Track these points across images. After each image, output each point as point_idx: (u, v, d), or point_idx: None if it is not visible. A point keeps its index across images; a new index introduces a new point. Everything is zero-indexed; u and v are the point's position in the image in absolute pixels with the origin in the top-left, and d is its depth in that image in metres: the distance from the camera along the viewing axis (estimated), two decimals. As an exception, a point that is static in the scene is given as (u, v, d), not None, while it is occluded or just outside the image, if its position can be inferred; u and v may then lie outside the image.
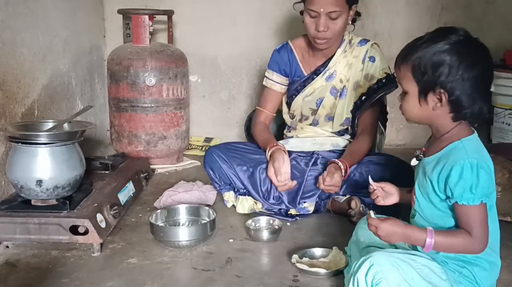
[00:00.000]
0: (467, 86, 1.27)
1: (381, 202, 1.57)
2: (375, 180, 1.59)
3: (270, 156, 2.14)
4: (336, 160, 2.08)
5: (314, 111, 2.32)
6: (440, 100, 1.30)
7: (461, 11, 3.34)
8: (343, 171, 2.04)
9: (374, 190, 1.57)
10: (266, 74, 2.38)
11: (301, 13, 2.21)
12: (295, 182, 2.10)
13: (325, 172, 2.03)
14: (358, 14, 2.23)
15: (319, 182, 2.03)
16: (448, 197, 1.30)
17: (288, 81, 2.36)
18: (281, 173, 2.05)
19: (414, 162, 1.45)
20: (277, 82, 2.35)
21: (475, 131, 1.36)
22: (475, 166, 1.25)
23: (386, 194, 1.57)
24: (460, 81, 1.27)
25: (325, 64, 2.27)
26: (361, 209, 2.06)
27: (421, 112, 1.35)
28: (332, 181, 2.00)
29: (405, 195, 1.57)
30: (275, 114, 2.43)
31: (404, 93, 1.37)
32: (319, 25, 2.07)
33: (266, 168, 2.15)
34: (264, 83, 2.40)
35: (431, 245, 1.29)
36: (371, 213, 1.39)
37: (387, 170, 2.09)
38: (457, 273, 1.36)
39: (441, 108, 1.31)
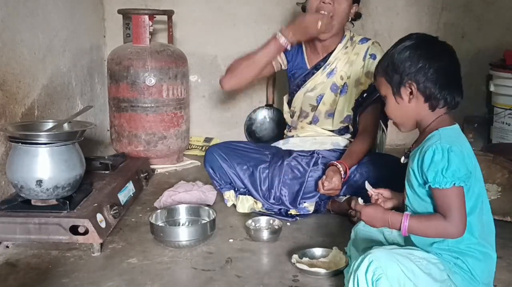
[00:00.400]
0: (431, 75, 1.37)
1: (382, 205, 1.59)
2: (372, 183, 1.61)
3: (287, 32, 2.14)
4: (335, 162, 2.08)
5: (314, 108, 2.32)
6: (411, 92, 1.39)
7: (461, 11, 3.35)
8: (342, 173, 2.04)
9: (372, 195, 1.59)
10: None
11: (303, 9, 2.22)
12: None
13: (324, 176, 2.02)
14: (359, 15, 2.25)
15: (319, 187, 2.03)
16: (425, 183, 1.34)
17: (282, 64, 2.35)
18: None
19: (403, 159, 1.52)
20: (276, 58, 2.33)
21: (457, 123, 1.42)
22: (446, 150, 1.30)
23: (384, 198, 1.59)
24: (423, 70, 1.37)
25: (325, 59, 2.28)
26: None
27: (401, 110, 1.43)
28: (331, 185, 2.00)
29: (401, 198, 1.58)
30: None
31: (385, 100, 1.47)
32: None
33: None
34: None
35: (406, 227, 1.36)
36: (359, 199, 1.50)
37: (387, 170, 2.09)
38: (452, 264, 1.37)
39: (416, 100, 1.40)
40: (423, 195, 1.39)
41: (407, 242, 1.49)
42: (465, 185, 1.31)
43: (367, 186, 1.57)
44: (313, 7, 2.16)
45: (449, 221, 1.30)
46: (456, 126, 1.41)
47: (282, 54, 2.34)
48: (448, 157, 1.29)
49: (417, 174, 1.37)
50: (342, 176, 2.04)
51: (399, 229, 1.38)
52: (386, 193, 1.59)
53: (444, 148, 1.30)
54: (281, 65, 2.37)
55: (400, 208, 1.60)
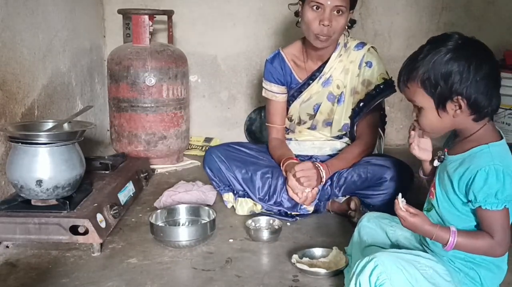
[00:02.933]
0: (482, 87, 1.27)
1: (415, 151, 1.51)
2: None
3: (285, 170, 2.16)
4: (317, 163, 2.10)
5: (312, 116, 2.31)
6: (460, 106, 1.29)
7: (461, 11, 3.34)
8: (323, 178, 2.07)
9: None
10: (264, 85, 2.34)
11: (296, 14, 2.18)
12: (315, 189, 2.09)
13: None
14: (353, 21, 2.20)
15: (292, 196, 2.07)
16: (470, 201, 1.30)
17: (286, 90, 2.33)
18: (299, 189, 2.06)
19: (436, 163, 1.44)
20: (277, 93, 2.31)
21: (503, 137, 1.36)
22: (501, 172, 1.25)
23: (421, 148, 1.52)
24: (474, 83, 1.26)
25: (320, 69, 2.24)
26: (361, 209, 2.06)
27: (442, 123, 1.34)
28: (304, 195, 2.04)
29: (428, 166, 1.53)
30: (285, 126, 2.39)
31: (419, 109, 1.35)
32: (324, 19, 2.02)
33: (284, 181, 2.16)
34: (264, 94, 2.36)
35: (453, 244, 1.30)
36: (400, 200, 1.34)
37: (386, 170, 2.09)
38: (462, 274, 1.36)
39: (462, 114, 1.30)
40: (464, 210, 1.34)
41: (416, 240, 1.48)
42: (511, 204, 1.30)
43: (400, 199, 1.41)
44: (311, 26, 2.07)
45: (496, 241, 1.28)
46: (503, 141, 1.34)
47: (281, 88, 2.31)
48: (504, 180, 1.25)
49: (457, 186, 1.32)
50: (322, 179, 2.07)
51: (444, 244, 1.31)
52: (424, 143, 1.51)
53: (498, 170, 1.25)
54: (285, 91, 2.35)
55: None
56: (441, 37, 1.33)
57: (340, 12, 2.05)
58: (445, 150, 1.42)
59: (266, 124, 2.41)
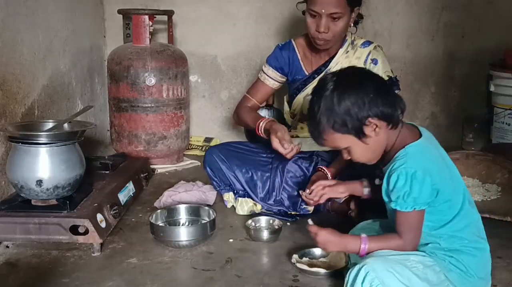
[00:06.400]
0: (378, 99, 1.35)
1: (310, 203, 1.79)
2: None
3: (265, 128, 2.13)
4: (323, 167, 2.09)
5: None
6: (376, 125, 1.37)
7: (461, 11, 3.34)
8: (329, 178, 2.06)
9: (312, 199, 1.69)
10: (263, 67, 2.37)
11: (303, 13, 2.21)
12: (300, 144, 2.10)
13: (307, 189, 2.02)
14: (360, 16, 2.21)
15: (302, 194, 2.04)
16: (390, 201, 1.39)
17: (282, 79, 2.35)
18: (286, 140, 2.04)
19: (378, 181, 1.54)
20: (270, 77, 2.33)
21: (422, 134, 1.42)
22: (409, 176, 1.32)
23: (330, 186, 1.71)
24: (371, 101, 1.35)
25: (326, 64, 2.26)
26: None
27: (371, 147, 1.41)
28: (312, 196, 2.01)
29: (356, 187, 1.69)
30: (262, 105, 2.43)
31: (347, 151, 1.44)
32: (320, 26, 2.06)
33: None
34: (258, 75, 2.39)
35: (365, 250, 1.40)
36: (309, 221, 1.54)
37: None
38: (447, 261, 1.40)
39: (381, 130, 1.38)
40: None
41: None
42: (429, 206, 1.36)
43: (303, 195, 1.59)
44: (309, 31, 2.12)
45: (404, 240, 1.37)
46: (421, 140, 1.40)
47: (277, 75, 2.32)
48: (411, 183, 1.32)
49: (385, 193, 1.41)
50: (329, 178, 2.05)
51: (357, 253, 1.42)
52: (340, 187, 1.69)
53: (408, 173, 1.32)
54: (281, 83, 2.37)
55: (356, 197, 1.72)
56: (319, 84, 1.43)
57: (337, 18, 2.06)
58: (381, 167, 1.48)
59: (246, 94, 2.40)
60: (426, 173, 1.33)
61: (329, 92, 1.37)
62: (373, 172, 1.63)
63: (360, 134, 1.38)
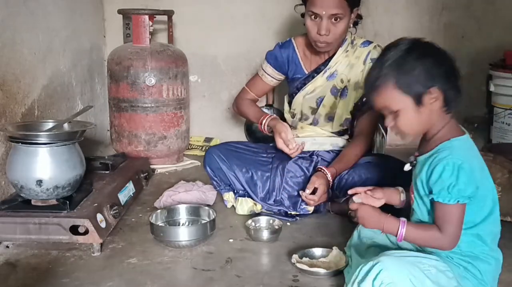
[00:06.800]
0: (450, 77, 1.34)
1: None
2: (371, 185, 1.66)
3: (268, 125, 2.21)
4: (323, 167, 2.08)
5: (315, 110, 2.31)
6: (436, 97, 1.33)
7: (461, 11, 3.35)
8: (330, 181, 2.06)
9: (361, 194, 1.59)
10: (262, 64, 2.39)
11: (302, 15, 2.20)
12: (304, 143, 2.18)
13: (307, 189, 2.03)
14: (360, 17, 2.22)
15: (302, 194, 2.05)
16: (430, 193, 1.34)
17: (280, 77, 2.37)
18: (290, 141, 2.11)
19: (407, 167, 1.49)
20: (268, 74, 2.37)
21: (466, 132, 1.39)
22: (456, 167, 1.29)
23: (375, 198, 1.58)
24: (444, 74, 1.33)
25: (326, 63, 2.26)
26: None
27: (421, 119, 1.37)
28: (313, 197, 2.03)
29: (393, 195, 1.61)
30: (259, 99, 2.48)
31: (394, 115, 1.38)
32: (321, 28, 2.06)
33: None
34: (257, 70, 2.43)
35: (402, 234, 1.37)
36: (355, 198, 1.53)
37: (386, 171, 2.09)
38: (461, 268, 1.37)
39: (437, 105, 1.35)
40: (429, 204, 1.39)
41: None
42: (470, 201, 1.32)
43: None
44: (310, 33, 2.12)
45: (444, 234, 1.33)
46: (466, 136, 1.38)
47: (275, 72, 2.36)
48: (458, 174, 1.28)
49: (424, 184, 1.37)
50: (330, 181, 2.05)
51: (395, 235, 1.39)
52: (377, 193, 1.58)
53: (455, 164, 1.29)
54: (278, 80, 2.41)
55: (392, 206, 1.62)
56: (394, 43, 1.42)
57: (338, 19, 2.07)
58: (416, 154, 1.45)
59: (245, 87, 2.48)
60: (473, 165, 1.31)
61: (405, 47, 1.35)
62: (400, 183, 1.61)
63: (418, 100, 1.33)
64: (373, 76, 1.39)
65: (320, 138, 2.33)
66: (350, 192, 1.60)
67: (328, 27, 2.06)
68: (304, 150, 2.32)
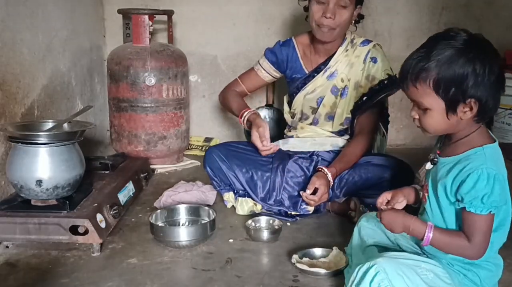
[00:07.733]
0: (493, 89, 1.25)
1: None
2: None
3: (248, 120, 2.19)
4: (324, 168, 2.07)
5: (315, 110, 2.31)
6: (471, 109, 1.26)
7: (461, 11, 3.35)
8: (331, 181, 2.05)
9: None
10: (260, 58, 2.40)
11: (305, 9, 2.21)
12: (278, 146, 2.17)
13: (308, 190, 2.03)
14: (361, 16, 2.24)
15: (302, 194, 2.04)
16: (458, 201, 1.29)
17: (276, 74, 2.38)
18: (266, 138, 2.09)
19: (428, 166, 1.42)
20: (264, 69, 2.38)
21: (496, 140, 1.34)
22: (492, 177, 1.24)
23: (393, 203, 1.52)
24: (488, 85, 1.23)
25: (326, 62, 2.27)
26: (360, 209, 2.06)
27: (448, 124, 1.30)
28: (313, 197, 2.02)
29: (409, 194, 1.54)
30: (249, 94, 2.47)
31: (424, 110, 1.31)
32: (327, 11, 2.08)
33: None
34: (254, 65, 2.42)
35: (429, 239, 1.31)
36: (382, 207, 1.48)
37: (386, 170, 2.09)
38: (461, 275, 1.36)
39: (468, 115, 1.27)
40: (448, 209, 1.35)
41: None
42: (499, 211, 1.29)
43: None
44: (314, 17, 2.14)
45: (472, 244, 1.28)
46: (497, 144, 1.32)
47: (272, 69, 2.37)
48: (493, 185, 1.24)
49: (450, 189, 1.31)
50: (330, 181, 2.04)
51: (420, 238, 1.33)
52: (398, 198, 1.51)
53: (490, 174, 1.24)
54: (274, 77, 2.41)
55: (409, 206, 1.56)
56: (448, 35, 1.27)
57: (344, 7, 2.09)
58: (437, 152, 1.41)
59: (236, 78, 2.46)
60: (505, 177, 1.27)
61: (459, 45, 1.23)
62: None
63: (451, 106, 1.25)
64: (415, 64, 1.27)
65: (320, 139, 2.33)
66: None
67: (334, 11, 2.09)
68: (304, 150, 2.32)
